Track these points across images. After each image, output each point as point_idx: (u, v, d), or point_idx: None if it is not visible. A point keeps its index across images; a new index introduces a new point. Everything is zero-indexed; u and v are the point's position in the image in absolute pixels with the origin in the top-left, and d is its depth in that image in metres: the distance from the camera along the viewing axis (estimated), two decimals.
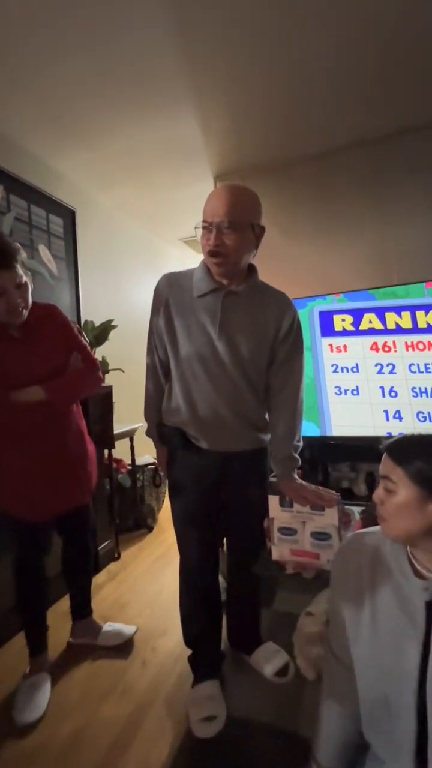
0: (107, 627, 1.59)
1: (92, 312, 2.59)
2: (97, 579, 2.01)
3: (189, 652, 1.35)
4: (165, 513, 2.82)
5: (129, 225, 3.22)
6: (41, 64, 1.60)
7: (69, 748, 1.16)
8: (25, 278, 1.20)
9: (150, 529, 2.66)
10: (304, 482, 1.20)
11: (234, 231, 1.06)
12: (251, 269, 1.21)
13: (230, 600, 1.42)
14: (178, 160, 2.36)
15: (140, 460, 2.71)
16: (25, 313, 1.22)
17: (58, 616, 1.72)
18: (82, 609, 1.58)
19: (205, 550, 1.27)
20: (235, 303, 1.16)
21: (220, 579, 1.36)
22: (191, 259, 4.04)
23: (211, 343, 1.14)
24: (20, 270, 1.18)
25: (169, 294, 1.20)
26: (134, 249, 3.30)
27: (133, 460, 2.63)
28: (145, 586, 2.00)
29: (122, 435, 2.44)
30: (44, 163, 2.30)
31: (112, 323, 2.38)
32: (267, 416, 1.26)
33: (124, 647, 1.54)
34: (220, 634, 1.36)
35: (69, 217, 2.50)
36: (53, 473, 1.29)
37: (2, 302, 1.16)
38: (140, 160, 2.35)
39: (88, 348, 1.39)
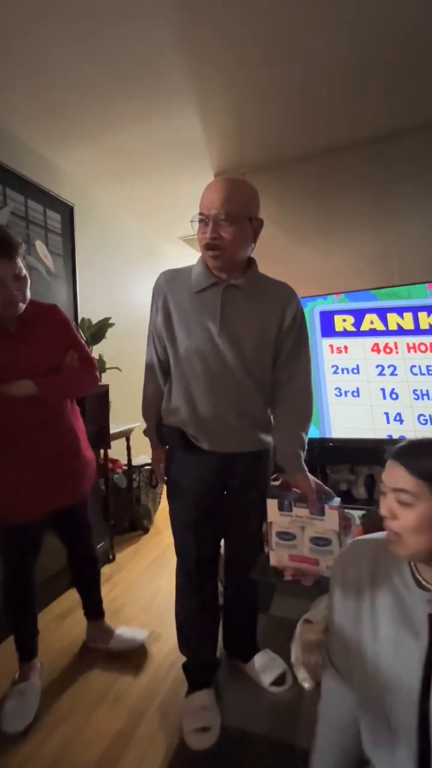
0: (120, 631, 1.54)
1: (89, 310, 2.56)
2: None
3: (184, 658, 1.31)
4: (161, 514, 2.78)
5: (128, 222, 3.18)
6: (40, 57, 1.56)
7: (58, 760, 1.12)
8: (25, 272, 1.18)
9: (146, 531, 2.62)
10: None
11: (231, 224, 1.03)
12: (250, 262, 1.18)
13: (227, 605, 1.38)
14: (179, 157, 2.33)
15: (137, 461, 2.68)
16: (22, 306, 1.20)
17: (51, 619, 1.68)
18: (91, 611, 1.54)
19: (204, 553, 1.23)
20: (235, 297, 1.13)
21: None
22: (191, 258, 4.00)
23: (212, 339, 1.11)
24: (21, 263, 1.16)
25: (168, 291, 1.16)
26: (133, 247, 3.27)
27: (129, 460, 2.60)
28: (140, 589, 1.96)
29: (119, 435, 2.40)
30: (42, 158, 2.27)
31: (110, 321, 2.34)
32: (271, 415, 1.23)
33: (117, 653, 1.51)
34: (217, 641, 1.32)
35: (67, 212, 2.46)
36: (41, 471, 1.24)
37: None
38: (140, 157, 2.32)
39: (86, 347, 1.36)
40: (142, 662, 1.47)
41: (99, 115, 1.95)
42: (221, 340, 1.10)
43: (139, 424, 2.70)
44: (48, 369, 1.25)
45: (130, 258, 3.22)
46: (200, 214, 1.06)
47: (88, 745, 1.16)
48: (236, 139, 2.18)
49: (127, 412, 2.43)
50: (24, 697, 1.27)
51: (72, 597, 1.59)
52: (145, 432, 1.31)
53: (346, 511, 1.29)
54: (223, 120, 2.01)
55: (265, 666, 1.34)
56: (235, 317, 1.12)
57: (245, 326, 1.12)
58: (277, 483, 1.39)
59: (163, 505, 2.74)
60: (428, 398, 1.78)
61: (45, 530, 1.36)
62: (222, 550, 1.32)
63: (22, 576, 1.33)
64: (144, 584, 2.00)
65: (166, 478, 1.26)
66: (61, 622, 1.67)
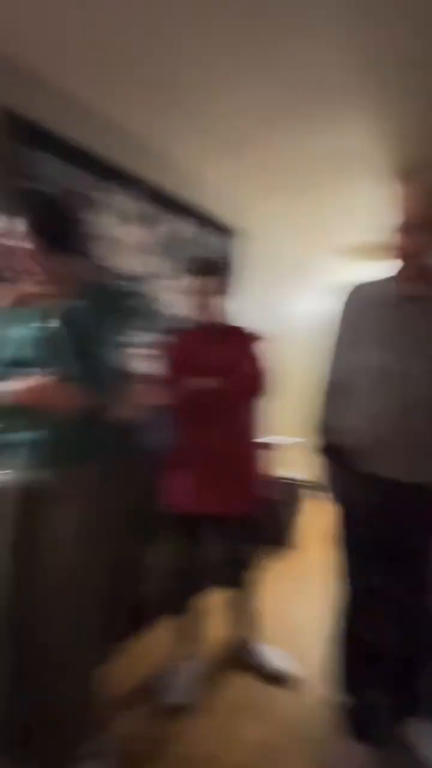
0: (264, 651, 1.54)
1: (247, 325, 2.69)
2: None
3: (337, 697, 1.22)
4: (307, 531, 2.71)
5: (291, 237, 3.22)
6: (204, 80, 1.64)
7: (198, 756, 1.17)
8: (226, 291, 1.43)
9: (291, 547, 2.59)
10: None
11: (429, 231, 0.98)
12: None
13: (394, 654, 1.22)
14: (347, 167, 2.26)
15: (286, 475, 2.68)
16: (218, 319, 1.45)
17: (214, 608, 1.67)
18: (237, 623, 1.59)
19: (367, 586, 1.14)
20: (427, 311, 1.05)
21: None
22: (354, 272, 3.84)
23: (400, 356, 1.05)
24: (224, 283, 1.42)
25: (356, 305, 1.15)
26: (291, 261, 3.31)
27: (280, 475, 2.61)
28: (285, 608, 1.91)
29: (272, 448, 2.44)
30: (202, 179, 2.43)
31: (270, 336, 2.41)
32: None
33: None
34: (379, 690, 1.19)
35: (227, 233, 2.64)
36: (212, 468, 1.37)
37: (202, 302, 1.39)
38: (304, 170, 2.31)
39: (267, 362, 1.49)
40: (289, 684, 1.44)
41: (260, 131, 1.98)
42: (410, 358, 1.03)
43: (293, 438, 2.70)
44: (229, 371, 1.39)
45: (288, 272, 3.27)
46: (398, 223, 1.03)
47: (232, 756, 1.18)
48: (416, 141, 2.00)
49: (281, 426, 2.46)
50: (185, 674, 1.39)
51: (220, 596, 1.64)
52: (315, 449, 1.27)
53: None
54: (394, 125, 1.88)
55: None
56: (428, 332, 1.03)
57: None
58: None
59: (309, 522, 2.67)
60: None
61: (210, 528, 1.46)
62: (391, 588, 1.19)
63: (188, 566, 1.47)
64: (289, 604, 1.96)
65: (334, 500, 1.22)
66: (221, 614, 1.66)
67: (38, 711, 0.97)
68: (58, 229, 1.04)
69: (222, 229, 2.61)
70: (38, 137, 1.64)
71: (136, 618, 1.65)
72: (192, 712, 1.30)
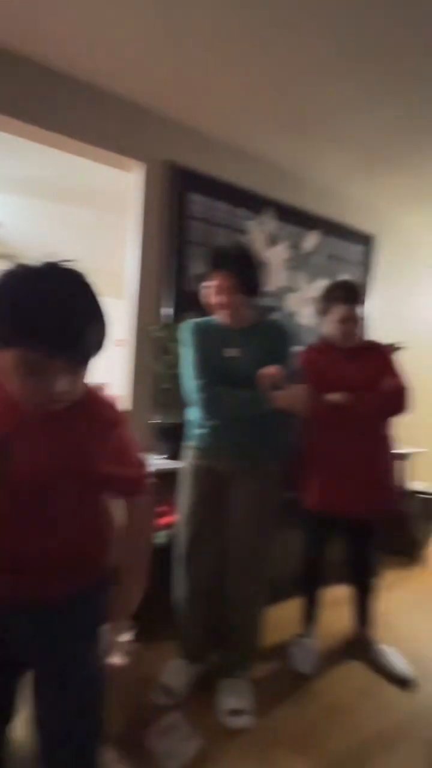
0: (384, 650, 1.58)
1: (379, 332, 2.64)
2: None
3: None
4: None
5: (426, 244, 3.07)
6: (350, 103, 1.77)
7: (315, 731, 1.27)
8: (362, 315, 1.56)
9: (413, 560, 2.48)
10: None
11: None
12: None
13: None
14: None
15: (413, 487, 2.56)
16: (356, 340, 1.57)
17: (327, 603, 1.73)
18: (357, 616, 1.66)
19: None
20: None
21: None
22: None
23: None
24: (361, 308, 1.56)
25: None
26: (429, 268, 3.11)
27: (406, 485, 2.51)
28: (398, 620, 1.88)
29: (407, 458, 2.39)
30: (344, 192, 2.53)
31: (401, 344, 2.35)
32: None
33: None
34: None
35: (367, 243, 2.66)
36: (355, 474, 1.47)
37: (345, 327, 1.51)
38: None
39: (402, 377, 1.52)
40: (411, 685, 1.46)
41: (406, 150, 2.02)
42: None
43: (422, 449, 2.56)
44: (366, 388, 1.48)
45: (422, 279, 3.10)
46: None
47: (347, 730, 1.27)
48: None
49: (406, 436, 2.38)
50: (305, 649, 1.56)
51: (345, 591, 1.70)
52: None
53: None
54: None
55: None
56: None
57: None
58: None
59: None
60: None
61: (338, 527, 1.59)
62: None
63: (314, 558, 1.62)
64: (403, 616, 1.92)
65: None
66: (336, 608, 1.77)
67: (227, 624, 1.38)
68: (253, 280, 1.33)
69: (360, 238, 2.66)
70: (194, 180, 2.02)
71: (273, 591, 1.68)
72: (310, 680, 1.47)
